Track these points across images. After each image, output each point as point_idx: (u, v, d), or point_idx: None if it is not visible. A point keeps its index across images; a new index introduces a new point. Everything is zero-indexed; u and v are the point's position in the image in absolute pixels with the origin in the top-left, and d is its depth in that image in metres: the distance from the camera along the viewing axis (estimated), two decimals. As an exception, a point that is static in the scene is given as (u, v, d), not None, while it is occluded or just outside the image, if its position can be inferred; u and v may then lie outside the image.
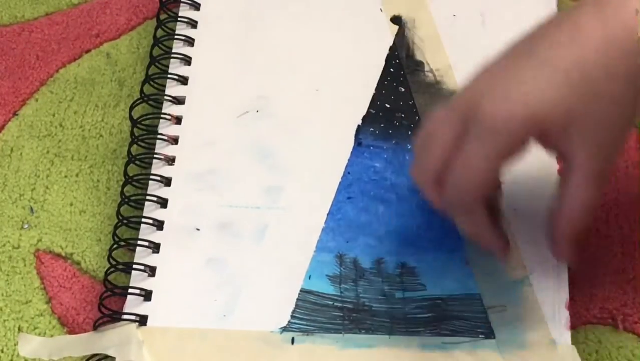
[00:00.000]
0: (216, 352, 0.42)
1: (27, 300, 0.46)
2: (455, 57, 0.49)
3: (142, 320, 0.43)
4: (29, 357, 0.43)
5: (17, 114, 0.52)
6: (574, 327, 0.42)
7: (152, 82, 0.50)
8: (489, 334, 0.42)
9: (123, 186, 0.47)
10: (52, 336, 0.45)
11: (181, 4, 0.52)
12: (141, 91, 0.49)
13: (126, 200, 0.46)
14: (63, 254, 0.47)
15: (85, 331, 0.45)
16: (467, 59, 0.48)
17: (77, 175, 0.50)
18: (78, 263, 0.47)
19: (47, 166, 0.50)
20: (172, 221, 0.46)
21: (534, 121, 0.34)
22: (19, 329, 0.45)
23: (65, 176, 0.50)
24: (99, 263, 0.47)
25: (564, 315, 0.41)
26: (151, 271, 0.45)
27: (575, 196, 0.36)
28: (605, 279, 0.44)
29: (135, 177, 0.47)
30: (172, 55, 0.50)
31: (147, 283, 0.44)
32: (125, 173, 0.47)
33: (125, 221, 0.46)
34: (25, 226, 0.48)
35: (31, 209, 0.49)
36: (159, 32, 0.51)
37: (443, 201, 0.37)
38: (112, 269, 0.45)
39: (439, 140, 0.36)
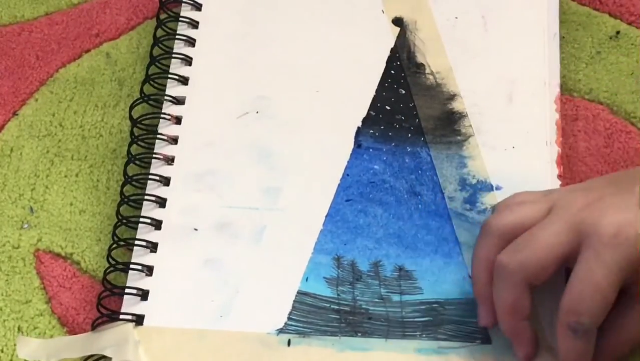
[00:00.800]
0: (212, 353, 0.42)
1: (27, 300, 0.47)
2: (456, 59, 0.49)
3: (139, 320, 0.44)
4: (27, 359, 0.44)
5: (17, 114, 0.53)
6: None
7: (152, 82, 0.50)
8: (486, 339, 0.42)
9: (123, 186, 0.47)
10: (52, 336, 0.45)
11: (182, 4, 0.53)
12: (141, 91, 0.49)
13: (126, 200, 0.47)
14: (63, 254, 0.48)
15: (85, 331, 0.45)
16: (468, 62, 0.49)
17: (77, 175, 0.50)
18: (78, 263, 0.48)
19: (47, 166, 0.51)
20: (171, 221, 0.46)
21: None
22: (19, 329, 0.46)
23: (65, 176, 0.50)
24: (99, 263, 0.47)
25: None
26: (148, 270, 0.45)
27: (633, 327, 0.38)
28: None
29: (134, 177, 0.47)
30: (173, 56, 0.51)
31: (144, 283, 0.45)
32: (125, 173, 0.47)
33: (124, 221, 0.46)
34: (25, 226, 0.49)
35: (31, 209, 0.49)
36: (159, 32, 0.51)
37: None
38: (110, 269, 0.45)
39: (552, 248, 0.38)
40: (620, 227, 0.36)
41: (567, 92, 0.49)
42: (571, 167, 0.47)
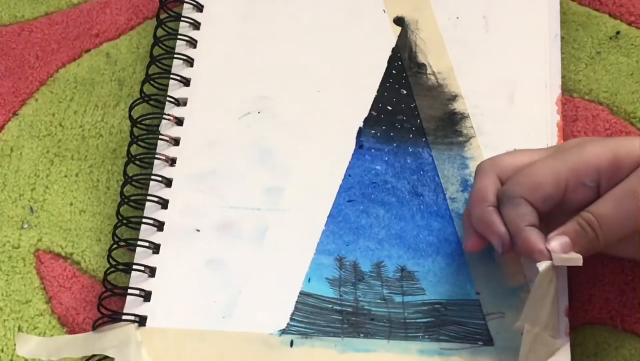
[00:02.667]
0: (215, 354, 0.43)
1: (27, 300, 0.47)
2: (458, 59, 0.50)
3: (141, 321, 0.44)
4: (27, 357, 0.44)
5: (17, 114, 0.53)
6: (573, 327, 0.43)
7: (152, 82, 0.50)
8: (488, 341, 0.42)
9: (123, 186, 0.48)
10: (52, 336, 0.46)
11: (184, 5, 0.53)
12: (141, 91, 0.50)
13: (126, 200, 0.47)
14: (63, 254, 0.48)
15: (85, 331, 0.45)
16: (469, 62, 0.50)
17: (77, 175, 0.51)
18: (78, 263, 0.48)
19: (47, 166, 0.51)
20: (173, 222, 0.47)
21: None
22: (19, 329, 0.46)
23: (65, 176, 0.51)
24: (99, 263, 0.48)
25: (564, 322, 0.42)
26: (151, 272, 0.46)
27: None
28: (604, 280, 0.44)
29: (135, 177, 0.48)
30: (175, 56, 0.51)
31: (147, 284, 0.45)
32: (125, 173, 0.48)
33: (125, 221, 0.46)
34: (25, 226, 0.49)
35: (31, 209, 0.50)
36: (159, 32, 0.52)
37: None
38: (111, 269, 0.45)
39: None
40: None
41: (567, 92, 0.50)
42: None
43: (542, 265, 0.39)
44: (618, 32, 0.51)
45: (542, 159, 0.41)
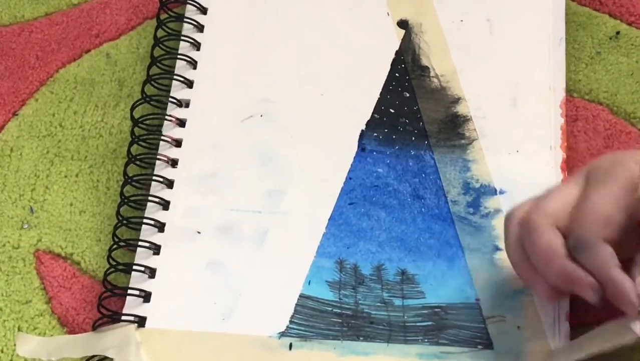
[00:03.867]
0: (214, 355, 0.43)
1: (27, 300, 0.47)
2: (461, 62, 0.50)
3: (141, 322, 0.44)
4: (27, 357, 0.44)
5: (17, 114, 0.53)
6: (573, 327, 0.43)
7: (153, 83, 0.51)
8: (488, 345, 0.43)
9: (123, 187, 0.48)
10: (52, 336, 0.46)
11: (187, 6, 0.54)
12: (142, 91, 0.50)
13: (126, 200, 0.47)
14: (63, 254, 0.49)
15: (85, 331, 0.46)
16: (472, 65, 0.50)
17: (77, 175, 0.51)
18: (78, 263, 0.48)
19: (47, 166, 0.51)
20: (174, 224, 0.47)
21: None
22: (19, 329, 0.46)
23: (65, 176, 0.51)
24: (99, 263, 0.48)
25: (564, 326, 0.42)
26: (151, 272, 0.46)
27: None
28: None
29: (135, 178, 0.48)
30: (178, 58, 0.52)
31: (147, 285, 0.45)
32: (125, 173, 0.48)
33: (125, 222, 0.47)
34: (25, 226, 0.50)
35: (31, 209, 0.50)
36: (160, 32, 0.52)
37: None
38: (111, 269, 0.46)
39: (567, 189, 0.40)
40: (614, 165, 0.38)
41: (567, 92, 0.50)
42: (571, 168, 0.47)
43: (637, 327, 0.37)
44: (618, 32, 0.52)
45: (590, 189, 0.39)
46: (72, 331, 0.46)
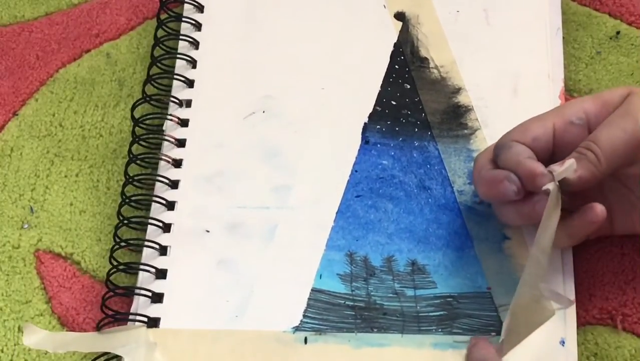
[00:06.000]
0: (229, 353, 0.40)
1: (27, 300, 0.44)
2: (460, 52, 0.47)
3: (154, 322, 0.41)
4: (33, 347, 0.41)
5: (17, 114, 0.50)
6: (578, 327, 0.40)
7: (153, 83, 0.47)
8: (500, 332, 0.39)
9: (124, 186, 0.44)
10: None
11: (185, 5, 0.50)
12: (143, 91, 0.46)
13: (127, 200, 0.44)
14: (63, 254, 0.45)
15: (85, 331, 0.42)
16: (471, 55, 0.47)
17: (77, 175, 0.47)
18: (78, 263, 0.45)
19: (47, 166, 0.48)
20: (181, 224, 0.43)
21: None
22: (19, 329, 0.43)
23: (65, 176, 0.47)
24: (99, 263, 0.45)
25: (571, 315, 0.39)
26: (161, 273, 0.42)
27: None
28: (604, 280, 0.42)
29: (136, 177, 0.45)
30: (178, 57, 0.48)
31: (157, 285, 0.42)
32: (126, 173, 0.45)
33: (125, 222, 0.43)
34: (25, 226, 0.46)
35: (31, 209, 0.46)
36: (160, 32, 0.49)
37: None
38: (114, 270, 0.42)
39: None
40: None
41: (567, 92, 0.47)
42: None
43: (550, 185, 0.36)
44: (618, 32, 0.49)
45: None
46: (72, 331, 0.43)
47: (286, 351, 0.39)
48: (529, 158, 0.37)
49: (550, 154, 0.38)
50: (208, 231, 0.43)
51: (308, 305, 0.41)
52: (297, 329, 0.40)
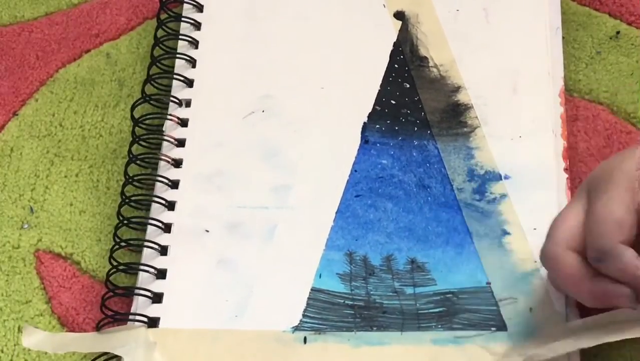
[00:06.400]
0: (228, 353, 0.40)
1: (27, 300, 0.44)
2: (459, 52, 0.47)
3: (154, 322, 0.41)
4: (32, 348, 0.41)
5: (17, 114, 0.50)
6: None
7: (153, 82, 0.47)
8: (501, 326, 0.39)
9: (124, 186, 0.45)
10: None
11: (184, 5, 0.50)
12: (142, 91, 0.47)
13: (127, 200, 0.44)
14: (63, 254, 0.45)
15: (85, 331, 0.43)
16: (471, 53, 0.47)
17: (77, 175, 0.48)
18: (78, 263, 0.45)
19: (47, 166, 0.48)
20: (181, 224, 0.44)
21: None
22: (19, 329, 0.43)
23: (65, 176, 0.48)
24: (99, 263, 0.45)
25: (574, 308, 0.39)
26: (161, 273, 0.43)
27: None
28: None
29: (136, 177, 0.45)
30: (177, 57, 0.48)
31: (157, 286, 0.42)
32: (126, 173, 0.45)
33: (125, 222, 0.44)
34: (25, 226, 0.46)
35: (31, 209, 0.47)
36: (160, 32, 0.49)
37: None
38: (114, 270, 0.42)
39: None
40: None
41: (567, 92, 0.47)
42: (571, 167, 0.44)
43: None
44: (618, 32, 0.49)
45: (594, 201, 0.36)
46: (72, 331, 0.43)
47: (286, 351, 0.39)
48: None
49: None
50: (207, 231, 0.43)
51: (307, 305, 0.41)
52: (296, 329, 0.40)
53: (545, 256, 0.37)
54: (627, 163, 0.35)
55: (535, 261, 0.40)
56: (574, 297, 0.37)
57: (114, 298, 0.42)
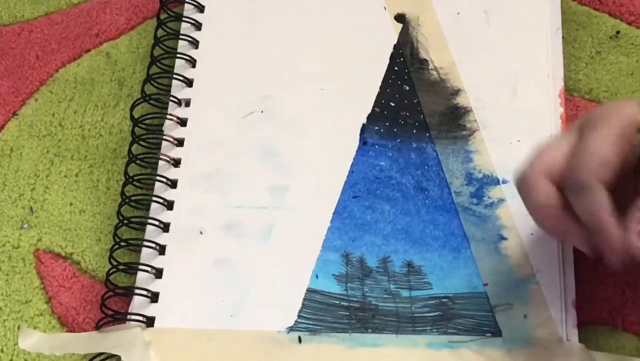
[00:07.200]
0: (223, 353, 0.40)
1: (27, 300, 0.45)
2: (460, 54, 0.48)
3: (150, 322, 0.42)
4: (29, 351, 0.42)
5: (17, 114, 0.51)
6: (580, 327, 0.41)
7: (153, 82, 0.48)
8: (496, 332, 0.40)
9: (124, 186, 0.45)
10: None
11: (185, 5, 0.51)
12: (142, 91, 0.47)
13: (127, 200, 0.45)
14: (63, 254, 0.46)
15: (85, 331, 0.43)
16: (471, 56, 0.48)
17: (77, 175, 0.48)
18: (78, 263, 0.46)
19: (47, 166, 0.49)
20: (179, 223, 0.44)
21: None
22: (19, 329, 0.44)
23: (65, 176, 0.48)
24: (99, 263, 0.46)
25: (572, 314, 0.40)
26: (158, 272, 0.43)
27: None
28: (605, 280, 0.42)
29: (136, 177, 0.45)
30: (177, 57, 0.49)
31: (154, 285, 0.43)
32: (126, 173, 0.45)
33: (125, 222, 0.44)
34: (25, 226, 0.47)
35: (31, 209, 0.48)
36: (160, 32, 0.50)
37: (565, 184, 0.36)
38: (113, 269, 0.43)
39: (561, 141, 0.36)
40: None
41: (567, 92, 0.47)
42: None
43: None
44: (618, 32, 0.49)
45: (585, 135, 0.36)
46: (71, 331, 0.44)
47: (280, 352, 0.40)
48: (611, 218, 0.34)
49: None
50: (205, 231, 0.44)
51: (303, 305, 0.41)
52: (291, 329, 0.41)
53: (521, 180, 0.37)
54: (628, 109, 0.35)
55: (532, 267, 0.41)
56: (537, 224, 0.37)
57: (114, 298, 0.43)
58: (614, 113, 0.36)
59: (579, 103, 0.47)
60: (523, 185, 0.37)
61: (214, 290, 0.42)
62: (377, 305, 0.41)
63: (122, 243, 0.44)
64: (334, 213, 0.44)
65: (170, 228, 0.44)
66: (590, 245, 0.35)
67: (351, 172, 0.45)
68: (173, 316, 0.42)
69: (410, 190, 0.44)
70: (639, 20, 0.49)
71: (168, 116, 0.47)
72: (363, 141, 0.46)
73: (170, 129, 0.47)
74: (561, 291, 0.41)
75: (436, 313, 0.41)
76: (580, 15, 0.50)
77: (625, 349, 0.40)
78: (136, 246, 0.44)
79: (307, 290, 0.42)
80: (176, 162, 0.46)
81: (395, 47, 0.48)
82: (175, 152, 0.46)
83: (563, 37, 0.48)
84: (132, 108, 0.47)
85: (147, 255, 0.44)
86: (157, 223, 0.44)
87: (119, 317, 0.42)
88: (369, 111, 0.47)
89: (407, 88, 0.47)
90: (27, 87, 0.51)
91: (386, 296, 0.41)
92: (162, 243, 0.44)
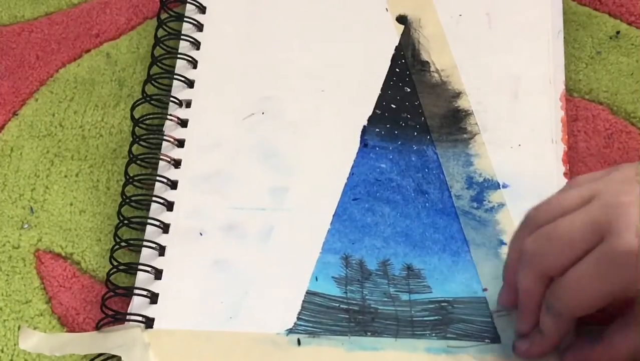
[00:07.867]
0: (222, 354, 0.41)
1: (27, 300, 0.46)
2: (461, 57, 0.48)
3: (149, 323, 0.43)
4: (29, 351, 0.42)
5: (17, 114, 0.51)
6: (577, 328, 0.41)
7: (153, 82, 0.49)
8: (495, 338, 0.41)
9: (124, 186, 0.46)
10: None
11: (187, 6, 0.52)
12: (143, 91, 0.48)
13: (127, 200, 0.45)
14: (63, 254, 0.47)
15: (85, 331, 0.44)
16: (472, 59, 0.48)
17: (77, 175, 0.49)
18: (78, 263, 0.46)
19: (47, 166, 0.49)
20: (179, 224, 0.45)
21: None
22: (19, 329, 0.44)
23: (65, 176, 0.49)
24: (99, 263, 0.46)
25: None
26: (157, 273, 0.44)
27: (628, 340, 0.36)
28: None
29: (136, 177, 0.46)
30: (179, 57, 0.50)
31: (154, 286, 0.44)
32: (126, 173, 0.46)
33: (126, 222, 0.45)
34: (25, 226, 0.48)
35: (31, 209, 0.48)
36: (160, 32, 0.50)
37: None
38: (114, 270, 0.44)
39: (571, 244, 0.36)
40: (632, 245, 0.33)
41: (567, 92, 0.48)
42: (571, 168, 0.45)
43: None
44: (618, 32, 0.50)
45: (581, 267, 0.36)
46: (72, 331, 0.44)
47: (279, 354, 0.40)
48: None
49: None
50: (205, 232, 0.44)
51: (302, 308, 0.42)
52: (290, 331, 0.41)
53: (524, 256, 0.38)
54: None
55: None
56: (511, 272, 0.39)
57: (114, 298, 0.43)
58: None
59: (579, 103, 0.48)
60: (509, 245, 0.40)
61: (213, 291, 0.43)
62: (376, 308, 0.42)
63: (123, 243, 0.44)
64: (334, 215, 0.44)
65: (170, 228, 0.45)
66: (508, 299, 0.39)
67: (351, 174, 0.46)
68: (172, 317, 0.42)
69: (410, 193, 0.45)
70: (639, 20, 0.50)
71: (169, 117, 0.48)
72: (364, 143, 0.46)
73: (171, 129, 0.48)
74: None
75: (435, 317, 0.41)
76: (580, 16, 0.50)
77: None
78: (136, 246, 0.45)
79: (306, 292, 0.42)
80: (176, 163, 0.47)
81: (396, 49, 0.49)
82: (176, 153, 0.47)
83: (563, 37, 0.49)
84: (132, 108, 0.47)
85: (147, 256, 0.44)
86: (157, 223, 0.45)
87: (120, 317, 0.42)
88: (369, 112, 0.47)
89: (409, 90, 0.48)
90: (27, 87, 0.52)
91: (386, 299, 0.42)
92: (162, 243, 0.44)
